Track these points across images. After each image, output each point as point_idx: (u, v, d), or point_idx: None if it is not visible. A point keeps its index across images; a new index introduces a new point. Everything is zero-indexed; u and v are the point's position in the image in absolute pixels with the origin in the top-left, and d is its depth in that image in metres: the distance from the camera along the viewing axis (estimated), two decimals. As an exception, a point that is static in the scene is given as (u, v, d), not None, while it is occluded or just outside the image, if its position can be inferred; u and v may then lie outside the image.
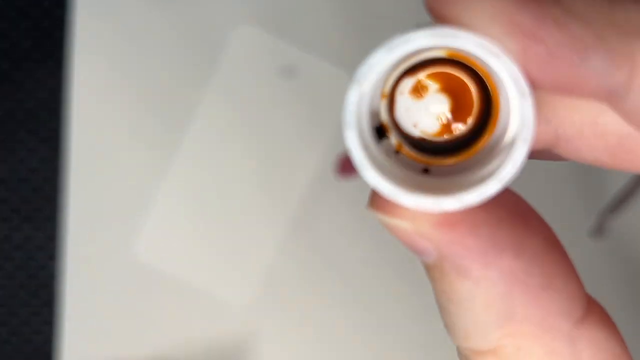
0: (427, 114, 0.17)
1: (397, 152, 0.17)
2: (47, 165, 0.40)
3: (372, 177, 0.16)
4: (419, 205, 0.16)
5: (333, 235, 0.40)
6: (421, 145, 0.17)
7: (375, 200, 0.17)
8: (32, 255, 0.40)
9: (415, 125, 0.17)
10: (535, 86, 0.15)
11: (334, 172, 0.40)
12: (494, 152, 0.17)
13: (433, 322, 0.37)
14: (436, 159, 0.17)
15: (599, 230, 0.41)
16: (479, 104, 0.17)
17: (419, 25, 0.16)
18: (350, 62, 0.40)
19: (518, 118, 0.15)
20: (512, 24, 0.14)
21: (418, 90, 0.17)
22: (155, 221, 0.40)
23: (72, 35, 0.40)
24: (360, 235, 0.40)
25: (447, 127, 0.17)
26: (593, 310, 0.17)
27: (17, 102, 0.40)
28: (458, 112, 0.17)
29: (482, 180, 0.16)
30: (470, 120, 0.17)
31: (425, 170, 0.17)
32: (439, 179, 0.17)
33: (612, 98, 0.15)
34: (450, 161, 0.17)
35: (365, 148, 0.16)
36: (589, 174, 0.41)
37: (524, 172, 0.15)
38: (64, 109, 0.40)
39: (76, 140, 0.40)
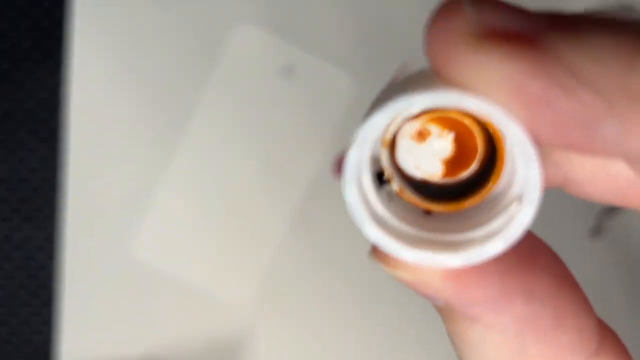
0: (430, 156, 0.17)
1: (398, 196, 0.17)
2: (47, 165, 0.40)
3: (373, 233, 0.16)
4: (422, 261, 0.16)
5: (333, 235, 0.40)
6: (423, 188, 0.17)
7: (377, 251, 0.17)
8: (32, 255, 0.40)
9: (417, 167, 0.17)
10: (544, 144, 0.15)
11: (333, 171, 0.40)
12: (499, 203, 0.16)
13: (433, 322, 0.37)
14: (438, 205, 0.17)
15: (598, 230, 0.41)
16: (484, 148, 0.17)
17: (421, 74, 0.16)
18: (350, 62, 0.40)
19: (524, 174, 0.15)
20: (520, 90, 0.14)
21: (421, 134, 0.17)
22: (154, 221, 0.40)
23: (72, 35, 0.40)
24: (360, 235, 0.40)
25: (450, 170, 0.17)
26: (606, 341, 0.17)
27: (17, 102, 0.40)
28: (462, 156, 0.17)
29: (487, 238, 0.16)
30: (474, 165, 0.17)
31: (427, 212, 0.17)
32: (441, 224, 0.17)
33: (627, 160, 0.14)
34: (452, 207, 0.17)
35: (365, 202, 0.16)
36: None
37: None
38: (64, 109, 0.40)
39: (76, 140, 0.40)
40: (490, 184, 0.16)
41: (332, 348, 0.41)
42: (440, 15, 0.14)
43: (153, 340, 0.40)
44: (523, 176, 0.15)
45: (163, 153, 0.40)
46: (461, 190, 0.17)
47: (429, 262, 0.16)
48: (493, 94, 0.14)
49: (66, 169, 0.40)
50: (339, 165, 0.41)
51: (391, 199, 0.17)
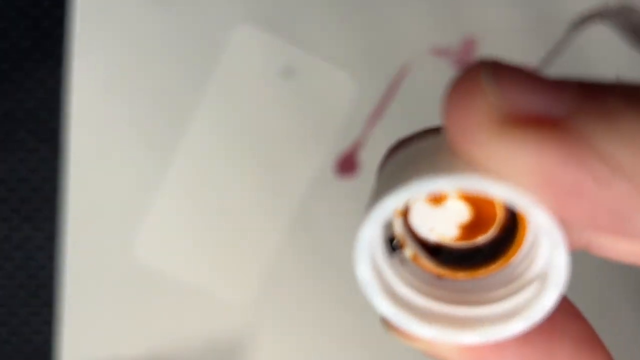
0: (445, 220, 0.16)
1: (411, 262, 0.16)
2: (47, 165, 0.40)
3: (387, 309, 0.15)
4: (438, 338, 0.15)
5: (333, 235, 0.40)
6: (437, 252, 0.16)
7: (390, 324, 0.16)
8: (32, 255, 0.40)
9: (431, 230, 0.16)
10: (572, 227, 0.14)
11: (334, 170, 0.40)
12: (519, 278, 0.16)
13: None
14: (452, 271, 0.16)
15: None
16: (504, 214, 0.16)
17: (437, 146, 0.15)
18: (350, 62, 0.40)
19: (548, 255, 0.14)
20: (551, 181, 0.13)
21: (436, 198, 0.16)
22: (155, 221, 0.40)
23: (72, 35, 0.40)
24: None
25: (466, 234, 0.16)
26: None
27: (17, 102, 0.40)
28: (479, 221, 0.16)
29: (507, 317, 0.15)
30: (493, 231, 0.16)
31: (441, 278, 0.16)
32: (456, 293, 0.16)
33: None
34: (468, 275, 0.16)
35: (378, 275, 0.15)
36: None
37: None
38: (64, 109, 0.40)
39: (76, 140, 0.40)
40: (509, 254, 0.16)
41: (332, 348, 0.41)
42: (459, 92, 0.13)
43: (153, 340, 0.40)
44: (547, 256, 0.15)
45: (163, 152, 0.40)
46: (477, 256, 0.16)
47: (446, 339, 0.15)
48: (520, 182, 0.13)
49: (66, 169, 0.40)
50: (340, 166, 0.41)
51: (404, 266, 0.16)
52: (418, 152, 0.15)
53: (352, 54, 0.40)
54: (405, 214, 0.16)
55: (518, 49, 0.40)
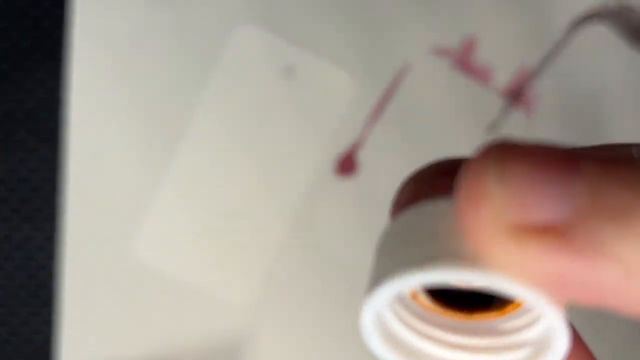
0: None
1: (411, 300, 0.16)
2: (47, 165, 0.40)
3: (384, 354, 0.16)
4: None
5: (333, 235, 0.40)
6: (436, 292, 0.16)
7: None
8: (32, 255, 0.40)
9: None
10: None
11: (335, 170, 0.40)
12: (515, 334, 0.16)
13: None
14: (450, 311, 0.16)
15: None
16: None
17: (447, 225, 0.14)
18: (350, 62, 0.40)
19: (548, 326, 0.14)
20: (566, 285, 0.13)
21: None
22: (155, 221, 0.40)
23: (72, 35, 0.40)
24: (360, 235, 0.40)
25: None
26: None
27: (17, 102, 0.40)
28: None
29: None
30: None
31: (439, 318, 0.16)
32: (450, 333, 0.16)
33: None
34: (463, 317, 0.16)
35: (379, 318, 0.15)
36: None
37: None
38: (64, 109, 0.40)
39: (76, 140, 0.40)
40: (507, 306, 0.16)
41: (332, 348, 0.41)
42: (468, 194, 0.13)
43: (153, 340, 0.40)
44: (547, 328, 0.15)
45: (163, 153, 0.40)
46: (476, 299, 0.16)
47: None
48: (534, 284, 0.13)
49: (66, 169, 0.40)
50: (341, 165, 0.41)
51: (402, 305, 0.16)
52: (433, 224, 0.15)
53: (352, 54, 0.40)
54: None
55: (518, 49, 0.40)
